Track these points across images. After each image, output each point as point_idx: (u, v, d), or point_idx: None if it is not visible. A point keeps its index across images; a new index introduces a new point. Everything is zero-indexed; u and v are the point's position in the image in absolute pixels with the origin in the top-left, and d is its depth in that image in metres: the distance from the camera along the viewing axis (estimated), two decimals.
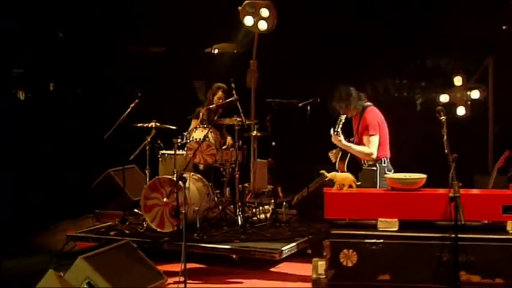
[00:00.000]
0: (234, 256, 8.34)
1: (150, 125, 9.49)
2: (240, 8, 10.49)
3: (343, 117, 7.42)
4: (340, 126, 7.36)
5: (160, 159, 9.61)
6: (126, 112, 9.43)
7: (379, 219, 4.61)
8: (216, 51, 14.15)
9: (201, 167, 9.62)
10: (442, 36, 11.64)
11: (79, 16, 13.05)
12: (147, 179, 9.45)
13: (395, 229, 4.57)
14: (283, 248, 8.26)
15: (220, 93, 9.65)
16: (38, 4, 12.42)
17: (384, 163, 7.32)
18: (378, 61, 12.07)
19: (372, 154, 7.25)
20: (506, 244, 5.20)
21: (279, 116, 9.56)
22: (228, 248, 8.40)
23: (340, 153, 7.57)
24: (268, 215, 9.69)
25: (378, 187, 7.16)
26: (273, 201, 9.77)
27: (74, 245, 9.30)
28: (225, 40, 14.04)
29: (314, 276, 4.53)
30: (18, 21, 12.23)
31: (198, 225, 8.97)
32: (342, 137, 7.34)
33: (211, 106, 9.14)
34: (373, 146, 7.28)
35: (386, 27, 11.96)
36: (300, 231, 9.08)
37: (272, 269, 8.38)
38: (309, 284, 7.55)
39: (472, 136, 10.98)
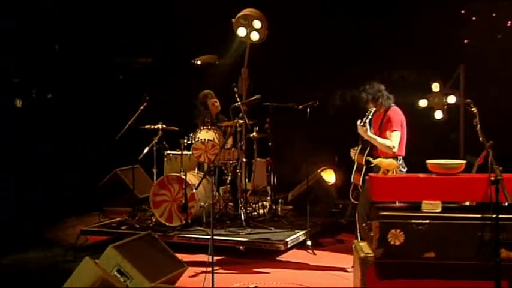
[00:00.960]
0: (241, 247, 8.39)
1: (157, 127, 9.45)
2: (233, 20, 10.51)
3: (372, 110, 7.39)
4: (369, 117, 7.34)
5: (166, 159, 9.63)
6: (136, 114, 9.52)
7: (424, 201, 4.70)
8: (199, 62, 14.09)
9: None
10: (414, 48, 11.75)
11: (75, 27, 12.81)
12: (154, 178, 9.53)
13: (438, 210, 4.67)
14: (287, 239, 8.39)
15: (212, 98, 9.76)
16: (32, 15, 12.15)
17: (400, 161, 7.30)
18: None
19: (393, 147, 7.22)
20: None
21: (277, 118, 9.58)
22: (236, 240, 8.40)
23: (359, 148, 7.55)
24: (265, 211, 9.70)
25: None
26: (269, 197, 9.80)
27: (85, 239, 9.20)
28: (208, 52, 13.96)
29: (362, 255, 4.59)
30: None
31: (204, 220, 9.00)
32: (368, 128, 7.32)
33: (236, 105, 8.90)
34: (395, 140, 7.28)
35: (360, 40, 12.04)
36: (298, 224, 9.17)
37: (278, 258, 8.45)
38: (314, 271, 7.78)
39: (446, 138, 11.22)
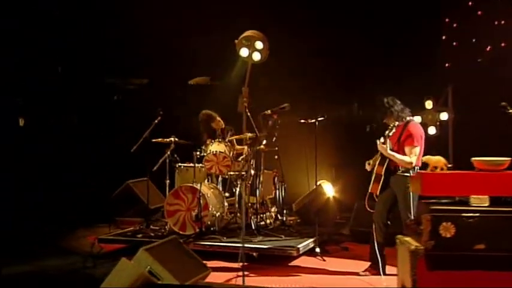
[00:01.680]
0: (255, 254, 8.37)
1: (169, 140, 9.45)
2: (236, 41, 10.59)
3: (394, 126, 7.43)
4: (390, 133, 7.38)
5: (177, 170, 9.64)
6: (150, 128, 9.45)
7: (472, 196, 4.76)
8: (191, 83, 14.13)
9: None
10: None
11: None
12: (167, 189, 9.50)
13: (486, 204, 4.73)
14: (298, 246, 8.44)
15: (216, 118, 9.83)
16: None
17: (416, 171, 7.41)
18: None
19: (412, 163, 7.31)
20: None
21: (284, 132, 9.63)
22: (250, 247, 8.40)
23: (379, 159, 7.60)
24: (272, 220, 9.74)
25: (410, 193, 7.31)
26: (275, 208, 9.83)
27: (100, 248, 9.09)
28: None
29: (412, 247, 4.62)
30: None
31: (217, 229, 9.01)
32: (388, 146, 7.38)
33: (266, 112, 8.78)
34: (414, 155, 7.33)
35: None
36: (305, 232, 9.23)
37: (290, 264, 8.48)
38: (328, 275, 7.81)
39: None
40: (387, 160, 7.52)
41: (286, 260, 8.46)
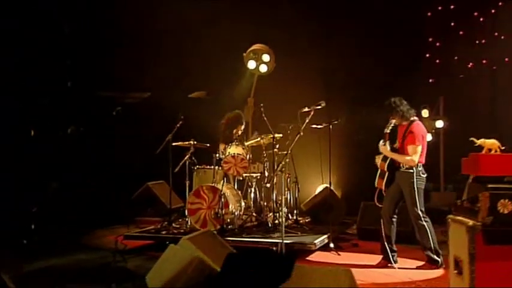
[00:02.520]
0: (275, 248, 8.41)
1: (188, 143, 9.50)
2: (244, 54, 10.73)
3: (392, 123, 7.65)
4: (389, 129, 7.59)
5: (195, 172, 9.66)
6: (173, 131, 9.45)
7: None
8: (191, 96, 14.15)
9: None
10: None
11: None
12: (187, 189, 9.52)
13: None
14: (315, 241, 8.54)
15: (242, 125, 9.88)
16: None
17: (420, 167, 7.67)
18: None
19: (414, 162, 7.56)
20: None
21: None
22: (270, 242, 8.47)
23: (382, 156, 7.81)
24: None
25: (415, 186, 7.54)
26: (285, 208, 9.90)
27: (125, 245, 9.08)
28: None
29: (471, 223, 4.77)
30: None
31: (235, 226, 9.08)
32: (388, 147, 7.61)
33: (303, 110, 8.44)
34: (415, 154, 7.57)
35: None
36: (317, 230, 9.35)
37: (307, 258, 8.60)
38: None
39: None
40: (389, 158, 7.77)
41: (304, 254, 8.62)
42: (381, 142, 7.72)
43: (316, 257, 8.63)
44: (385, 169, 7.76)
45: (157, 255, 8.50)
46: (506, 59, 12.14)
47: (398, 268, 7.80)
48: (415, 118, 7.93)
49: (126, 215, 10.42)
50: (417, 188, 7.65)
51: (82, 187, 11.07)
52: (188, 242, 6.84)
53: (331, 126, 8.92)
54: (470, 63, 12.65)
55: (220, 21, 11.45)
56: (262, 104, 9.40)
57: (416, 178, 7.63)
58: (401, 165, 7.75)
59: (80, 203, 10.85)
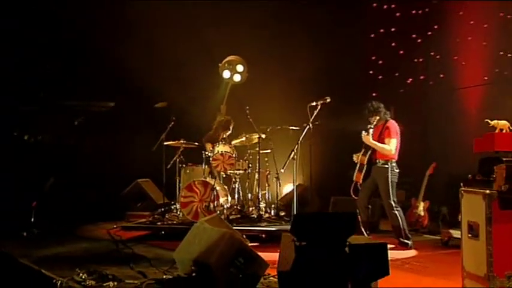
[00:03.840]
0: (263, 235, 8.63)
1: (179, 143, 9.63)
2: (220, 64, 10.92)
3: (375, 121, 8.05)
4: (372, 127, 7.98)
5: (183, 170, 9.76)
6: (165, 132, 9.55)
7: None
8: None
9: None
10: None
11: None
12: (177, 185, 9.59)
13: None
14: None
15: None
16: None
17: (393, 163, 8.13)
18: None
19: (391, 151, 8.04)
20: None
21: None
22: (260, 230, 8.67)
23: (363, 150, 8.19)
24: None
25: (389, 180, 7.98)
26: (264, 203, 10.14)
27: (120, 236, 9.10)
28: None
29: (488, 191, 5.16)
30: None
31: (224, 217, 9.23)
32: (370, 136, 7.99)
33: (311, 104, 8.45)
34: (392, 145, 8.03)
35: None
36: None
37: None
38: None
39: None
40: (370, 151, 8.19)
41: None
42: (364, 133, 8.12)
43: None
44: (365, 163, 8.16)
45: (156, 244, 8.73)
46: (442, 75, 12.79)
47: None
48: (390, 118, 8.41)
49: (116, 210, 10.38)
50: (391, 181, 8.13)
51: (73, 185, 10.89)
52: (205, 224, 6.96)
53: (311, 126, 9.17)
54: (410, 79, 13.28)
55: (194, 32, 11.64)
56: (248, 107, 9.64)
57: (391, 173, 8.12)
58: (377, 161, 8.20)
59: (71, 200, 10.67)
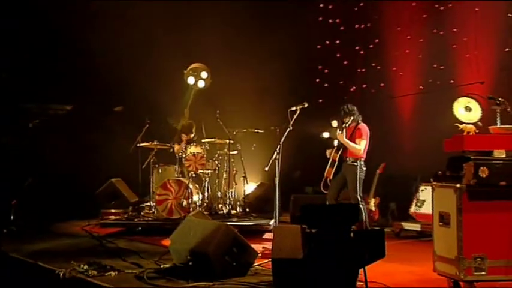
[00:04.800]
0: (236, 230, 8.88)
1: (153, 145, 9.82)
2: (185, 71, 11.15)
3: (348, 122, 8.46)
4: (346, 127, 8.41)
5: (155, 170, 9.95)
6: (141, 134, 9.74)
7: (495, 150, 5.87)
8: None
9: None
10: None
11: None
12: (151, 183, 9.73)
13: (504, 156, 5.85)
14: (270, 223, 9.17)
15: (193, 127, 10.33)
16: None
17: (362, 162, 8.56)
18: None
19: (360, 150, 8.46)
20: None
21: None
22: (235, 224, 8.92)
23: (335, 148, 8.61)
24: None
25: (357, 177, 8.44)
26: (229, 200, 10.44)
27: (97, 233, 9.22)
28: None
29: (458, 185, 5.69)
30: None
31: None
32: (344, 135, 8.41)
33: (292, 108, 8.39)
34: (362, 145, 8.47)
35: None
36: (261, 216, 9.92)
37: (264, 237, 9.18)
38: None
39: None
40: (341, 149, 8.62)
41: (260, 234, 9.17)
42: (339, 131, 8.54)
43: (268, 235, 9.15)
44: (337, 159, 8.59)
45: (134, 239, 8.87)
46: (382, 84, 13.41)
47: None
48: (361, 121, 8.88)
49: (87, 209, 10.43)
50: (359, 178, 8.55)
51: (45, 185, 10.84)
52: (193, 218, 7.23)
53: (277, 130, 9.51)
54: (353, 87, 13.85)
55: (159, 41, 11.86)
56: (218, 111, 9.95)
57: (359, 170, 8.53)
58: (347, 159, 8.63)
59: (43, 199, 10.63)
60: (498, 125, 6.22)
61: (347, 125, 8.55)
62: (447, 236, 5.81)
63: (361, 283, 4.86)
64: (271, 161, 7.52)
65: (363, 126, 8.72)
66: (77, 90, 12.59)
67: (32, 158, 11.25)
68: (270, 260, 6.88)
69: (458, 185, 5.68)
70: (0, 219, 9.23)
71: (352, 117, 8.64)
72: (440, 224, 5.95)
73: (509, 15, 10.65)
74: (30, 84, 12.36)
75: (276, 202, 7.56)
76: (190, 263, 6.39)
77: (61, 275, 6.44)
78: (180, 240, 6.80)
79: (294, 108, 8.10)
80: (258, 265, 6.85)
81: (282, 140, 7.69)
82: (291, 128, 7.86)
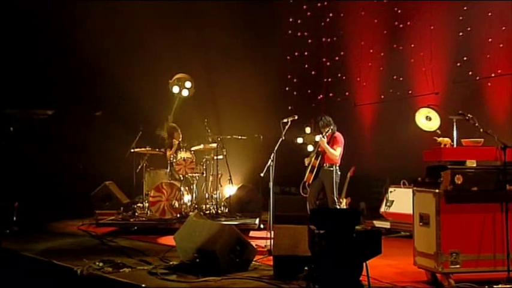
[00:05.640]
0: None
1: (146, 150, 10.14)
2: (170, 81, 11.51)
3: (326, 132, 8.98)
4: (326, 135, 8.91)
5: (147, 173, 10.30)
6: (135, 140, 10.08)
7: (467, 160, 6.46)
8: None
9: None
10: None
11: None
12: (144, 186, 10.06)
13: (475, 165, 6.45)
14: (255, 222, 9.65)
15: (178, 130, 10.65)
16: None
17: (337, 167, 9.09)
18: None
19: (337, 156, 8.99)
20: None
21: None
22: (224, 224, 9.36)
23: (315, 155, 9.11)
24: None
25: (334, 180, 8.98)
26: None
27: (95, 232, 9.53)
28: None
29: (437, 190, 6.28)
30: None
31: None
32: (325, 140, 8.92)
33: (284, 120, 8.82)
34: (338, 152, 9.00)
35: None
36: (245, 215, 10.40)
37: (250, 234, 9.59)
38: None
39: None
40: (320, 156, 9.14)
41: (246, 232, 9.50)
42: (321, 137, 9.05)
43: (254, 233, 9.69)
44: (316, 165, 9.11)
45: (132, 238, 9.19)
46: (347, 93, 13.99)
47: None
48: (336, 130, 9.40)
49: (82, 209, 10.67)
50: (335, 181, 9.11)
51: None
52: (194, 218, 7.62)
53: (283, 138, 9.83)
54: (320, 96, 14.28)
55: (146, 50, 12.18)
56: (206, 120, 10.37)
57: (335, 174, 9.09)
58: (324, 165, 9.16)
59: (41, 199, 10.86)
60: (455, 134, 6.89)
61: (326, 134, 9.10)
62: (427, 234, 6.39)
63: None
64: (266, 167, 7.97)
65: (339, 135, 9.27)
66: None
67: (26, 161, 11.47)
68: (264, 256, 7.50)
69: (437, 190, 6.26)
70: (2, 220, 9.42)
71: (329, 127, 9.20)
72: (421, 224, 6.53)
73: (460, 33, 11.38)
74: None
75: (270, 203, 8.01)
76: (198, 260, 6.77)
77: (79, 272, 6.75)
78: (185, 239, 7.16)
79: (285, 120, 8.59)
80: (254, 261, 7.29)
81: (276, 149, 8.13)
82: (283, 138, 8.33)
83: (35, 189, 11.04)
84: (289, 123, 8.54)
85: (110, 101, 12.24)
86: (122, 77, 11.95)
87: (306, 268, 6.15)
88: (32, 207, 10.29)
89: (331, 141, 9.19)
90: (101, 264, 6.89)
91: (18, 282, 7.26)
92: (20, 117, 12.60)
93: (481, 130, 6.64)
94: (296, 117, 8.62)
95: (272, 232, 7.31)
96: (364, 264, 5.28)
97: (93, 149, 11.82)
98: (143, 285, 6.17)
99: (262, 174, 7.92)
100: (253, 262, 7.19)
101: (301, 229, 6.49)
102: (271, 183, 8.00)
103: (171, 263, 7.12)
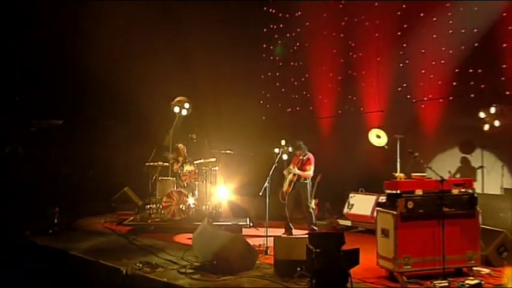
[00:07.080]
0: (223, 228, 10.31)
1: (158, 164, 11.01)
2: (172, 102, 12.36)
3: (303, 156, 10.07)
4: (302, 160, 10.01)
5: (158, 182, 11.16)
6: (152, 154, 10.90)
7: (416, 189, 7.75)
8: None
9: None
10: None
11: None
12: (157, 192, 10.96)
13: (421, 193, 7.76)
14: (247, 222, 10.60)
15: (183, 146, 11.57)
16: None
17: (309, 180, 10.24)
18: None
19: (310, 174, 10.12)
20: None
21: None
22: (220, 224, 10.41)
23: (292, 174, 10.19)
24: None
25: (307, 190, 10.10)
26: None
27: (119, 231, 10.39)
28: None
29: (395, 212, 7.50)
30: None
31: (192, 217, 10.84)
32: (296, 169, 10.05)
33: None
34: (311, 171, 10.12)
35: None
36: (238, 218, 11.38)
37: (243, 233, 10.42)
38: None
39: None
40: (297, 175, 10.24)
41: (239, 231, 10.48)
42: (291, 166, 10.19)
43: (246, 231, 10.50)
44: (294, 180, 10.20)
45: (150, 236, 10.03)
46: (311, 108, 14.99)
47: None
48: (308, 152, 10.47)
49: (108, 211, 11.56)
50: (309, 191, 10.26)
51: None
52: (207, 223, 8.56)
53: (251, 155, 11.01)
54: (289, 109, 15.25)
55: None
56: (207, 140, 11.32)
57: (309, 186, 10.24)
58: (300, 179, 10.24)
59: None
60: (398, 154, 8.10)
61: (303, 158, 10.17)
62: (387, 243, 7.62)
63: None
64: (263, 188, 8.99)
65: (311, 156, 10.35)
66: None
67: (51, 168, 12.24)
68: (262, 255, 8.51)
69: (394, 212, 7.49)
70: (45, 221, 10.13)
71: (302, 150, 10.29)
72: (382, 235, 7.75)
73: (401, 64, 12.59)
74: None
75: (266, 213, 9.03)
76: (215, 262, 7.73)
77: (124, 272, 7.60)
78: (203, 243, 8.07)
79: (277, 151, 9.67)
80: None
81: (271, 173, 9.12)
82: (276, 165, 9.37)
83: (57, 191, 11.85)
84: (280, 154, 9.62)
85: (125, 118, 13.18)
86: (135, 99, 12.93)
87: (298, 269, 7.28)
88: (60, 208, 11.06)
89: (305, 162, 10.26)
90: (140, 265, 7.75)
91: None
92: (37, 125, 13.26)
93: (425, 166, 7.88)
94: (290, 149, 9.68)
95: (271, 239, 8.23)
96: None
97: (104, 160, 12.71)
98: (179, 283, 7.03)
99: (260, 193, 8.92)
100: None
101: (295, 240, 7.66)
102: (267, 199, 8.97)
103: (194, 263, 7.95)
